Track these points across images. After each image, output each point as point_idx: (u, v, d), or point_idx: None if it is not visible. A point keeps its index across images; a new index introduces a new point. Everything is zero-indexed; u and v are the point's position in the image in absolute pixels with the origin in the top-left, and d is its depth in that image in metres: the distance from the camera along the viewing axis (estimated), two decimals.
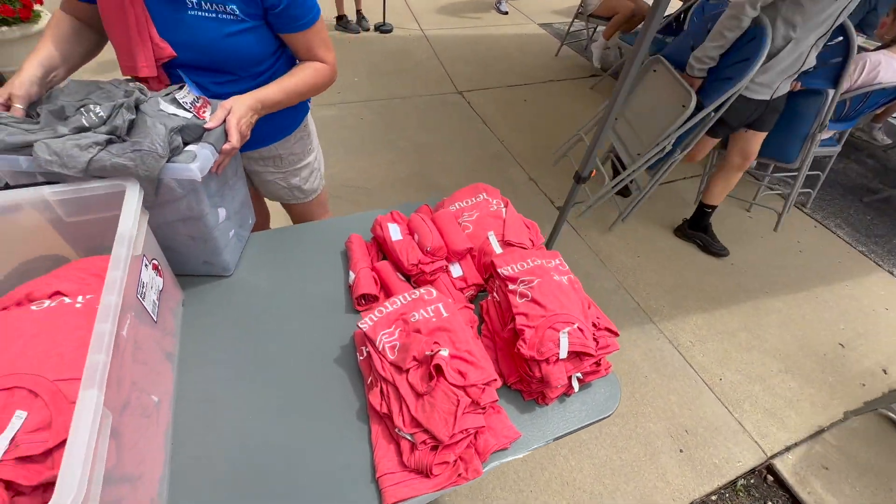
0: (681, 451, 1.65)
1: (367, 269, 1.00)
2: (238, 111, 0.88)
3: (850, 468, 1.64)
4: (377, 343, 0.80)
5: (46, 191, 0.74)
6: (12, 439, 0.52)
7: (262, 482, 0.72)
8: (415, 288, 0.96)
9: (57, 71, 0.90)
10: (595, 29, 4.41)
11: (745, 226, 2.70)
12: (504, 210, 1.09)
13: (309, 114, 1.29)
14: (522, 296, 0.85)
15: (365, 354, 0.85)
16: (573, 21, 4.30)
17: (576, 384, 0.84)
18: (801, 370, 1.95)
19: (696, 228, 2.48)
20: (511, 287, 0.87)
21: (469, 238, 1.03)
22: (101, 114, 0.77)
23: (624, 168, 2.32)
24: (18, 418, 0.53)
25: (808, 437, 1.73)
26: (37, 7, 2.71)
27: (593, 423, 0.84)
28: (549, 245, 1.67)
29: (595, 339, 0.83)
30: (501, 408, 0.81)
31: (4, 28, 2.54)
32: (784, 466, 1.63)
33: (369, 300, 0.97)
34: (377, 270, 1.00)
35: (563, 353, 0.78)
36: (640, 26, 3.94)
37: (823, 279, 2.41)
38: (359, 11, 4.49)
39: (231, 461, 0.74)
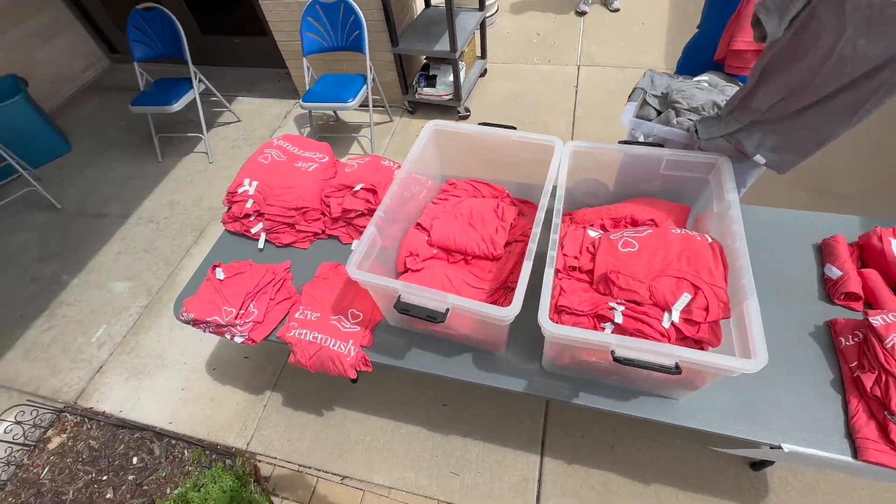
0: None
1: (853, 271, 1.12)
2: None
3: None
4: (886, 342, 0.96)
5: (666, 150, 1.12)
6: (682, 308, 0.92)
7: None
8: None
9: None
10: None
11: None
12: None
13: None
14: None
15: (853, 342, 1.02)
16: None
17: None
18: None
19: None
20: None
21: None
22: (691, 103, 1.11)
23: None
24: (685, 298, 0.93)
25: None
26: None
27: None
28: None
29: None
30: None
31: None
32: None
33: (850, 297, 1.11)
34: (863, 276, 1.12)
35: None
36: None
37: None
38: None
39: None
